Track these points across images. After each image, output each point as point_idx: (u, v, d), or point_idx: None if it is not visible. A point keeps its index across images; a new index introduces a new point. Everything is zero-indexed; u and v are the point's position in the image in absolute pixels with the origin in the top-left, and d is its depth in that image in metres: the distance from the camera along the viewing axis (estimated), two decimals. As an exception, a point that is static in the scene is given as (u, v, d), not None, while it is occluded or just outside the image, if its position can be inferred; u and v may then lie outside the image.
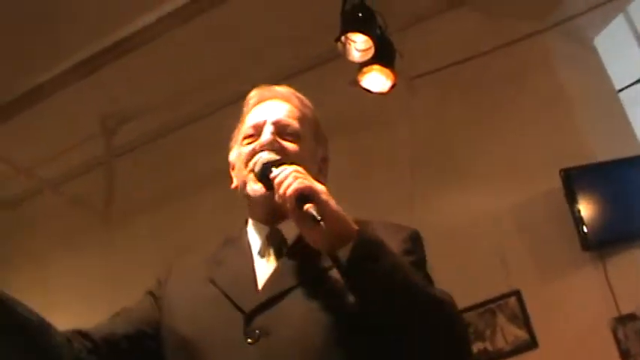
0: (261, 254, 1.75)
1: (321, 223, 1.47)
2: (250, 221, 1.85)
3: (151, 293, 1.81)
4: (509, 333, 4.24)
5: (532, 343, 4.16)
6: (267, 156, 1.70)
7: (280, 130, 1.80)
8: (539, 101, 4.52)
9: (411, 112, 4.62)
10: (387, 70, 4.01)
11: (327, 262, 1.57)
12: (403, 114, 4.61)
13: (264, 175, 1.66)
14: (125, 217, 5.44)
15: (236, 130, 1.90)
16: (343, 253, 1.48)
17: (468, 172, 4.51)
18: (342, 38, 3.85)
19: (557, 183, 4.20)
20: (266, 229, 1.78)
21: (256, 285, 1.65)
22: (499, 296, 4.28)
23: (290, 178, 1.53)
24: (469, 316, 4.26)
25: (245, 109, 1.90)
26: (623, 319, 3.97)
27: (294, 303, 1.57)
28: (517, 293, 4.24)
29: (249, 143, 1.80)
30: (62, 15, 4.31)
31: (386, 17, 4.05)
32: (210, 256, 1.82)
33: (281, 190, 1.53)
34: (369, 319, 1.49)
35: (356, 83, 4.05)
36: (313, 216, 1.46)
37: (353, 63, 3.97)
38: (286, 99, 1.90)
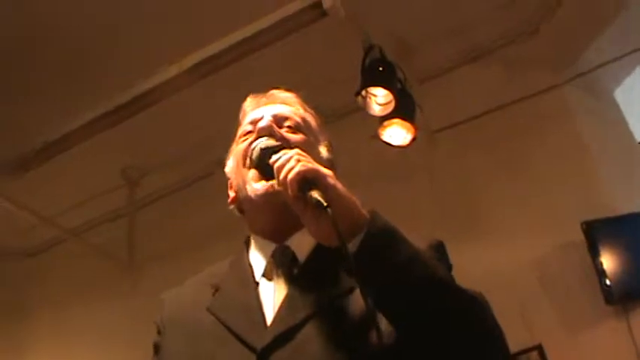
0: (267, 276, 1.53)
1: (328, 210, 1.26)
2: (252, 239, 1.64)
3: (155, 346, 1.62)
4: (531, 387, 4.19)
5: (555, 398, 4.11)
6: (266, 142, 1.53)
7: (279, 120, 1.65)
8: (560, 154, 4.52)
9: (431, 165, 4.64)
10: (407, 124, 4.03)
11: (347, 284, 1.39)
12: (424, 167, 4.62)
13: (262, 161, 1.47)
14: (147, 266, 5.46)
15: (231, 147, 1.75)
16: (353, 244, 1.28)
17: (489, 224, 4.50)
18: (363, 92, 3.88)
19: (578, 236, 4.17)
20: (271, 245, 1.56)
21: (263, 316, 1.43)
22: (521, 351, 4.21)
23: (292, 162, 1.34)
24: (491, 371, 4.21)
25: (241, 116, 1.78)
26: (647, 374, 3.92)
27: (312, 338, 1.35)
28: (539, 347, 4.18)
29: (245, 140, 1.64)
30: (87, 67, 4.39)
31: (406, 70, 4.09)
32: (206, 278, 1.63)
33: (282, 175, 1.34)
34: (396, 356, 1.28)
35: (377, 137, 4.07)
36: (318, 202, 1.26)
37: (373, 116, 4.00)
38: (287, 103, 1.77)
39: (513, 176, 4.56)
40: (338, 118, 4.77)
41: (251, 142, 1.57)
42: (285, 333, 1.37)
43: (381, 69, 3.90)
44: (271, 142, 1.51)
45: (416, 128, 4.06)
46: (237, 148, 1.65)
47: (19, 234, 5.67)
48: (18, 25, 4.19)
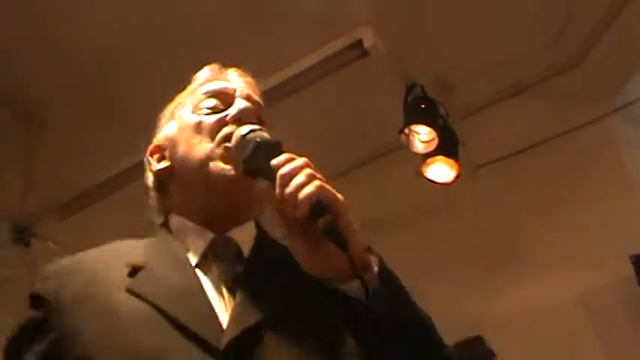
0: (203, 268, 1.33)
1: (347, 247, 1.14)
2: (176, 221, 1.44)
3: (38, 323, 1.28)
4: None
5: None
6: (260, 133, 1.30)
7: (255, 110, 1.48)
8: (605, 186, 4.47)
9: (475, 201, 4.61)
10: (451, 161, 4.02)
11: (297, 286, 1.25)
12: (468, 203, 4.59)
13: (257, 157, 1.26)
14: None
15: (169, 111, 1.59)
16: (369, 280, 1.19)
17: (534, 260, 4.45)
18: (406, 130, 3.88)
19: (627, 269, 4.10)
20: (207, 234, 1.37)
21: (211, 305, 1.22)
22: (571, 389, 4.15)
23: (303, 176, 1.16)
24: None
25: (195, 83, 1.60)
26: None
27: (273, 341, 1.18)
28: (590, 386, 4.11)
29: (211, 114, 1.45)
30: (130, 110, 4.43)
31: (448, 106, 4.09)
32: (112, 255, 1.39)
33: (289, 189, 1.15)
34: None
35: (420, 174, 4.07)
36: (338, 236, 1.14)
37: (417, 154, 4.00)
38: (254, 90, 1.60)
39: (558, 210, 4.51)
40: (381, 156, 4.78)
41: (223, 121, 1.40)
42: (247, 331, 1.17)
43: (423, 106, 3.92)
44: (265, 135, 1.29)
45: (459, 165, 4.05)
46: (196, 118, 1.44)
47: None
48: (59, 74, 4.26)
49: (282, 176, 1.16)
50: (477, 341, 4.32)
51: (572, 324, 4.25)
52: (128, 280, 1.27)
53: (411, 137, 3.91)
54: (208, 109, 1.45)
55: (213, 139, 1.38)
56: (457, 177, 4.07)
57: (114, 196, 4.61)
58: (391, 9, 3.98)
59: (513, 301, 4.36)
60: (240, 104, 1.43)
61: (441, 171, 4.06)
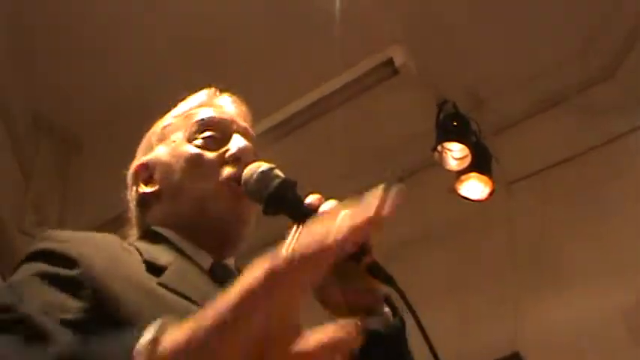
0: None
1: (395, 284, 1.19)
2: (172, 235, 1.40)
3: (73, 281, 1.13)
4: None
5: None
6: (278, 172, 1.33)
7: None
8: (642, 198, 4.42)
9: (510, 216, 4.57)
10: (484, 177, 4.01)
11: None
12: (503, 219, 4.56)
13: (280, 194, 1.27)
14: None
15: (159, 129, 1.54)
16: (387, 320, 1.23)
17: (572, 275, 4.39)
18: (439, 147, 3.88)
19: (668, 283, 4.06)
20: (206, 257, 1.37)
21: None
22: (612, 406, 4.09)
23: (344, 217, 0.94)
24: None
25: (185, 106, 1.56)
26: None
27: None
28: (632, 402, 4.05)
29: (202, 146, 1.43)
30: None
31: (480, 122, 4.08)
32: (121, 247, 1.31)
33: (338, 227, 0.90)
34: None
35: (454, 191, 4.05)
36: (385, 273, 1.16)
37: (450, 171, 3.99)
38: (249, 127, 1.54)
39: (595, 224, 4.45)
40: (414, 174, 4.76)
41: (222, 158, 1.39)
42: None
43: (455, 124, 3.91)
44: (280, 173, 1.32)
45: (493, 181, 4.03)
46: (194, 149, 1.42)
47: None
48: (94, 97, 4.32)
49: (328, 214, 1.00)
50: (514, 358, 4.29)
51: (612, 339, 4.17)
52: (149, 275, 1.23)
53: (443, 154, 3.91)
54: (204, 139, 1.44)
55: (213, 175, 1.38)
56: (491, 193, 4.05)
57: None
58: (421, 26, 3.99)
59: (550, 317, 4.31)
60: (239, 142, 1.42)
61: (474, 188, 4.04)
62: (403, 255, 4.80)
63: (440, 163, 3.92)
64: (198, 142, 1.43)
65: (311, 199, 1.25)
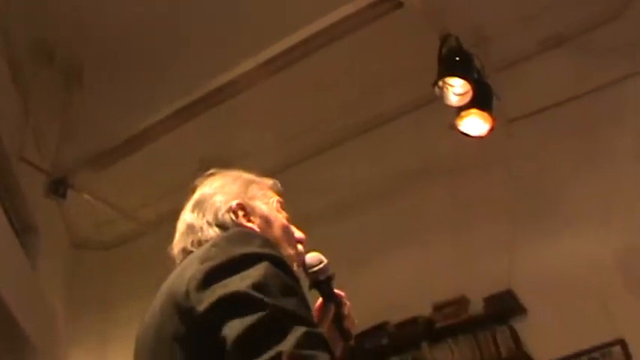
0: None
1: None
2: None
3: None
4: (613, 381, 4.10)
5: (638, 394, 4.02)
6: (326, 265, 1.78)
7: None
8: (640, 140, 4.42)
9: (509, 154, 4.57)
10: (485, 114, 3.99)
11: None
12: (501, 156, 4.56)
13: (328, 283, 1.77)
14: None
15: (256, 186, 1.85)
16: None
17: (568, 214, 4.42)
18: (440, 82, 3.85)
19: (664, 227, 4.08)
20: None
21: None
22: (602, 345, 4.13)
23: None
24: (570, 364, 4.16)
25: (272, 186, 1.88)
26: None
27: None
28: (622, 342, 4.09)
29: (283, 215, 1.82)
30: (164, 62, 4.45)
31: (483, 59, 4.04)
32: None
33: (349, 315, 1.75)
34: None
35: (454, 127, 4.04)
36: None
37: (451, 107, 3.97)
38: None
39: (593, 165, 4.46)
40: (415, 109, 4.76)
41: (299, 239, 1.80)
42: None
43: (457, 59, 3.87)
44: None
45: (493, 118, 4.01)
46: (284, 221, 1.80)
47: (100, 227, 5.79)
48: (95, 27, 4.29)
49: (348, 307, 1.75)
50: (508, 295, 4.33)
51: (607, 280, 4.22)
52: None
53: (445, 90, 3.87)
54: (278, 203, 1.83)
55: (294, 247, 1.77)
56: (491, 130, 4.03)
57: (148, 148, 4.66)
58: (427, -40, 3.94)
59: (544, 258, 4.35)
60: (301, 234, 1.82)
61: (474, 124, 4.02)
62: (403, 188, 4.83)
63: (441, 98, 3.89)
64: (283, 215, 1.81)
65: (338, 292, 1.77)
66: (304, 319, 1.33)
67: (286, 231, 1.78)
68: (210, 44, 4.30)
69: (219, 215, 1.74)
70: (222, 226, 1.72)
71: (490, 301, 4.38)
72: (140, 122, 4.54)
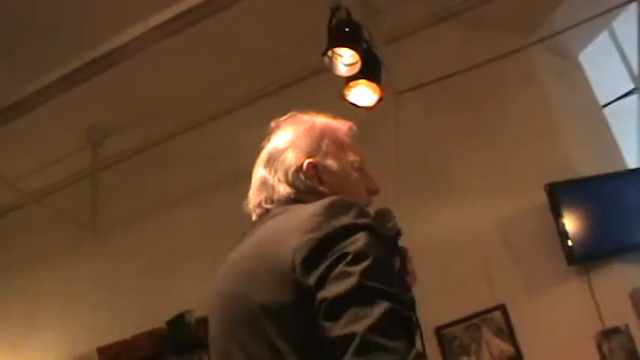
0: None
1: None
2: None
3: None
4: (494, 347, 4.24)
5: (517, 357, 4.17)
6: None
7: None
8: (525, 116, 4.55)
9: (397, 126, 4.63)
10: (373, 85, 4.01)
11: None
12: (389, 128, 4.61)
13: (396, 236, 1.79)
14: (109, 228, 5.43)
15: (329, 140, 1.85)
16: None
17: (454, 186, 4.53)
18: (329, 52, 3.85)
19: (542, 198, 4.22)
20: None
21: None
22: (484, 310, 4.28)
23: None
24: (454, 330, 4.29)
25: (346, 133, 1.90)
26: (607, 333, 3.98)
27: None
28: (502, 307, 4.25)
29: (359, 176, 1.85)
30: (47, 27, 4.30)
31: (372, 31, 4.06)
32: None
33: (412, 269, 1.79)
34: None
35: (343, 97, 4.05)
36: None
37: (340, 77, 3.98)
38: None
39: (478, 138, 4.58)
40: (304, 79, 4.75)
41: (375, 189, 1.87)
42: None
43: (347, 29, 3.87)
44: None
45: (382, 89, 4.04)
46: (356, 175, 1.83)
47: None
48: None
49: (409, 259, 1.80)
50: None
51: (488, 248, 4.37)
52: None
53: (334, 60, 3.88)
54: (358, 171, 1.84)
55: (368, 201, 1.83)
56: (379, 101, 4.06)
57: (35, 112, 4.51)
58: None
59: (431, 226, 4.43)
60: (376, 185, 1.89)
61: (363, 94, 4.04)
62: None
63: (330, 68, 3.89)
64: (356, 165, 1.83)
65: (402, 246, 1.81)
66: (391, 295, 1.36)
67: (358, 188, 1.82)
68: (99, 8, 4.17)
69: (290, 174, 1.76)
70: (292, 185, 1.75)
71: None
72: (23, 88, 4.39)
